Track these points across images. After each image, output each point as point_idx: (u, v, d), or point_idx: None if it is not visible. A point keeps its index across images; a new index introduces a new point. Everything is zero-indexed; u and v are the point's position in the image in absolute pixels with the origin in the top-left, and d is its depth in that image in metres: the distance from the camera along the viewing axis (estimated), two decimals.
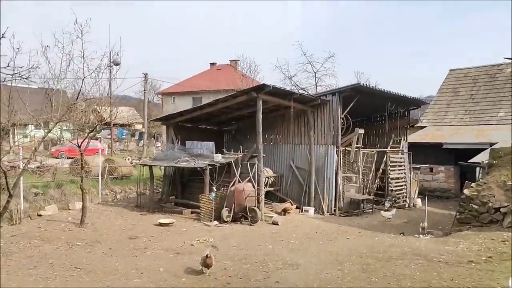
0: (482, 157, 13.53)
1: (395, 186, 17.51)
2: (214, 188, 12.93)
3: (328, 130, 15.39)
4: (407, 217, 14.74)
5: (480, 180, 10.84)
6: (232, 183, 13.49)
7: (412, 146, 21.28)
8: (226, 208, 12.93)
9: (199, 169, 13.70)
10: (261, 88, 14.00)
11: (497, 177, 10.40)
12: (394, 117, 18.21)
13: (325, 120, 15.52)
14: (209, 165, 13.69)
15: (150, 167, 14.94)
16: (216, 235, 10.82)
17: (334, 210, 15.13)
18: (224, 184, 14.27)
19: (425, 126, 22.44)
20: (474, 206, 10.33)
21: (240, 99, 14.65)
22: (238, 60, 49.18)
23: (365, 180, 17.43)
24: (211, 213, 12.75)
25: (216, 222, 12.51)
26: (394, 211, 14.00)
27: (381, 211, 14.17)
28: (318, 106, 15.63)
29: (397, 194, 17.61)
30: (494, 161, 11.01)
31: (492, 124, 19.90)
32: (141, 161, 19.30)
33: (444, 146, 19.79)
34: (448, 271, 7.16)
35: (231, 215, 12.79)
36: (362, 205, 16.20)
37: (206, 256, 7.37)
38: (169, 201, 15.55)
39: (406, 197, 17.92)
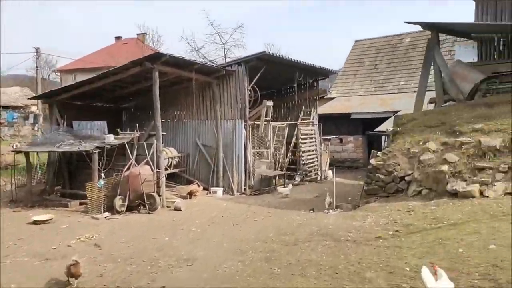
0: (387, 126, 13.41)
1: (307, 159, 17.08)
2: (102, 174, 11.20)
3: (235, 103, 14.27)
4: (318, 191, 14.31)
5: (386, 148, 10.50)
6: (126, 168, 11.85)
7: (323, 118, 21.09)
8: (120, 197, 11.32)
9: (84, 153, 11.81)
10: (156, 57, 12.36)
11: (401, 145, 10.09)
12: (304, 88, 17.63)
13: (232, 92, 14.36)
14: (97, 147, 11.86)
15: (27, 154, 12.65)
16: (103, 230, 9.25)
17: (245, 189, 14.22)
18: (119, 169, 12.56)
19: (335, 97, 22.40)
20: (380, 176, 9.95)
21: (133, 70, 12.86)
22: (146, 34, 46.00)
23: (277, 155, 16.78)
24: (101, 204, 11.06)
25: (107, 214, 10.87)
26: (290, 186, 13.37)
27: (278, 188, 13.45)
28: (223, 77, 14.39)
29: (309, 168, 17.23)
30: (398, 129, 10.73)
31: (394, 93, 20.30)
32: (15, 147, 16.59)
33: (352, 116, 19.84)
34: (356, 251, 6.48)
35: (126, 204, 11.22)
36: (274, 181, 15.53)
37: (71, 263, 5.88)
38: (55, 192, 13.45)
39: (318, 169, 17.64)
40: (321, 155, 17.86)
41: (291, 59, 14.81)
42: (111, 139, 12.60)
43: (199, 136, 15.05)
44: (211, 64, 17.22)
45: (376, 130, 16.42)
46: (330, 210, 10.38)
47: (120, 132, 13.73)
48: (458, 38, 13.94)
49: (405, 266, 5.40)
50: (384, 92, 20.98)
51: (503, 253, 4.99)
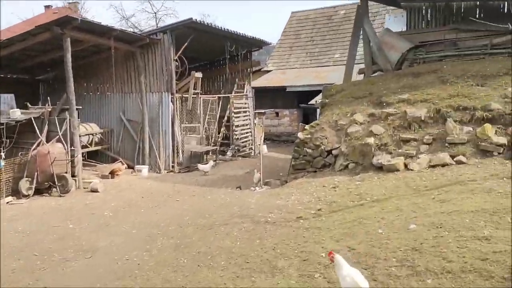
0: (319, 98, 12.82)
1: (240, 134, 16.26)
2: (2, 154, 9.65)
3: (161, 74, 13.00)
4: (251, 166, 13.58)
5: (314, 121, 9.88)
6: (34, 146, 10.35)
7: (259, 91, 20.27)
8: (27, 179, 9.90)
9: None
10: (66, 22, 10.78)
11: (329, 117, 9.49)
12: (237, 60, 16.59)
13: (157, 63, 13.05)
14: None
15: None
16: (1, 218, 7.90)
17: (173, 167, 13.17)
18: (28, 147, 10.99)
19: (271, 70, 21.60)
20: (308, 150, 9.32)
21: (42, 37, 11.20)
22: (78, 2, 42.28)
23: (210, 130, 15.79)
24: (3, 188, 9.57)
25: (10, 199, 9.45)
26: (211, 163, 12.50)
27: (198, 165, 12.53)
28: (148, 46, 13.01)
29: (243, 142, 16.45)
30: (327, 100, 10.13)
31: (329, 66, 19.84)
32: None
33: (288, 90, 19.18)
34: (273, 235, 5.76)
35: (33, 186, 9.82)
36: (205, 157, 14.59)
37: None
38: None
39: (252, 144, 16.91)
40: (255, 130, 17.11)
41: (221, 27, 13.68)
42: (16, 114, 10.94)
43: (124, 111, 13.68)
44: (134, 32, 15.58)
45: (309, 103, 15.89)
46: (257, 188, 9.67)
47: (30, 106, 12.03)
48: (391, 9, 13.52)
49: (321, 252, 4.73)
50: (320, 64, 20.47)
51: (423, 233, 4.45)
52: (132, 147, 13.47)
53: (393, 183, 7.01)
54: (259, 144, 17.30)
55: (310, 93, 17.25)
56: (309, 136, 9.37)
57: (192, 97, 13.63)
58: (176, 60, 12.92)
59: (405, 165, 7.71)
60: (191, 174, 12.77)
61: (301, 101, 18.41)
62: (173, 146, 13.12)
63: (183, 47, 12.73)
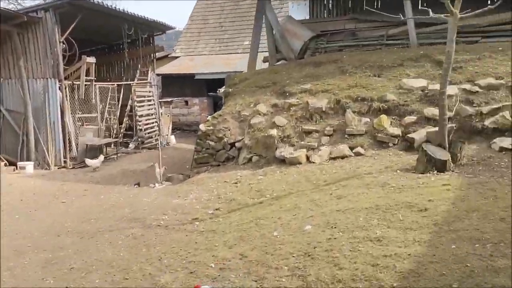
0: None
1: (145, 124, 15.17)
2: None
3: (46, 58, 11.45)
4: (155, 159, 12.68)
5: (217, 112, 9.35)
6: None
7: (166, 78, 19.17)
8: None
9: None
10: None
11: (233, 107, 9.03)
12: (138, 45, 15.38)
13: (40, 45, 11.46)
14: None
15: None
16: None
17: (65, 162, 11.79)
18: None
19: (179, 56, 20.57)
20: (210, 143, 8.77)
21: None
22: None
23: (112, 120, 14.50)
24: None
25: None
26: (101, 158, 11.42)
27: (86, 160, 11.38)
28: (27, 26, 11.33)
29: (148, 133, 15.38)
30: (230, 90, 9.65)
31: (239, 53, 19.40)
32: None
33: (197, 77, 18.38)
34: (163, 241, 5.15)
35: None
36: (105, 150, 13.32)
37: None
38: None
39: (158, 135, 15.91)
40: (162, 119, 16.13)
41: (114, 7, 12.43)
42: None
43: (2, 100, 11.86)
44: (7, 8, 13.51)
45: (218, 91, 15.30)
46: (157, 184, 8.92)
47: None
48: None
49: (211, 261, 4.24)
50: (230, 51, 19.91)
51: (317, 235, 4.18)
52: (14, 141, 11.79)
53: (295, 177, 6.77)
54: (167, 135, 16.43)
55: (220, 81, 16.66)
56: (211, 127, 8.82)
57: (85, 85, 12.26)
58: (63, 43, 11.45)
59: (307, 158, 7.54)
60: (87, 169, 11.51)
61: (211, 89, 17.76)
62: (64, 139, 11.71)
63: (71, 28, 11.30)
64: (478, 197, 4.40)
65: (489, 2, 9.96)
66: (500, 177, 5.23)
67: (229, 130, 8.69)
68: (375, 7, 10.53)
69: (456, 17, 5.74)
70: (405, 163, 6.30)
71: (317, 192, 5.74)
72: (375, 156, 6.97)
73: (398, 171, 5.95)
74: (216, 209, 6.09)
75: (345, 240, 3.97)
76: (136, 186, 9.14)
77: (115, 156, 12.93)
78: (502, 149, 6.22)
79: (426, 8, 6.25)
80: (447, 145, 5.92)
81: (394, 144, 7.19)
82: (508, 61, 7.71)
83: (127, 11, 12.84)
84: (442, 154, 5.77)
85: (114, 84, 14.01)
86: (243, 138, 8.47)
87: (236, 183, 7.21)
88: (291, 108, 8.37)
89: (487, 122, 6.71)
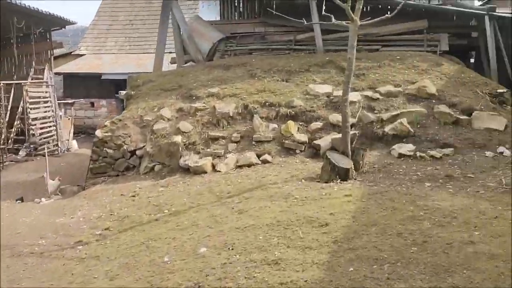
0: None
1: (40, 129, 13.54)
2: None
3: None
4: (51, 168, 11.29)
5: (116, 117, 8.49)
6: None
7: (70, 78, 17.56)
8: None
9: None
10: None
11: (134, 112, 8.25)
12: (33, 40, 13.71)
13: None
14: None
15: None
16: None
17: None
18: None
19: (84, 54, 18.91)
20: (108, 150, 7.90)
21: None
22: None
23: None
24: None
25: None
26: None
27: None
28: None
29: (45, 138, 13.76)
30: (133, 92, 8.85)
31: (151, 53, 18.31)
32: None
33: (103, 77, 17.02)
34: (32, 275, 4.29)
35: None
36: None
37: None
38: None
39: (57, 140, 14.33)
40: (61, 123, 14.58)
41: None
42: None
43: None
44: None
45: (120, 94, 14.20)
46: (43, 199, 7.81)
47: None
48: None
49: None
50: (141, 51, 18.75)
51: (212, 260, 3.70)
52: None
53: (198, 188, 6.23)
54: (67, 140, 14.90)
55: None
56: (109, 134, 7.95)
57: None
58: None
59: (213, 166, 7.06)
60: None
61: (119, 90, 16.51)
62: None
63: None
64: (378, 209, 4.26)
65: (388, 12, 10.43)
66: (399, 185, 5.22)
67: (130, 136, 7.90)
68: (285, 12, 10.39)
69: (356, 24, 5.67)
70: (311, 171, 6.11)
71: (219, 206, 5.27)
72: (282, 164, 6.71)
73: (303, 180, 5.71)
74: (106, 229, 5.33)
75: (241, 265, 3.54)
76: (18, 201, 7.91)
77: (1, 165, 11.30)
78: (400, 155, 6.31)
79: (328, 14, 6.14)
80: (350, 153, 5.83)
81: (301, 151, 7.00)
82: (405, 69, 7.98)
83: (17, 2, 11.29)
84: (345, 163, 5.66)
85: (1, 83, 12.25)
86: (144, 146, 7.74)
87: (133, 196, 6.49)
88: (197, 113, 7.84)
89: (387, 129, 6.80)
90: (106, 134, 7.94)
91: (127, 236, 4.98)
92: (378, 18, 5.79)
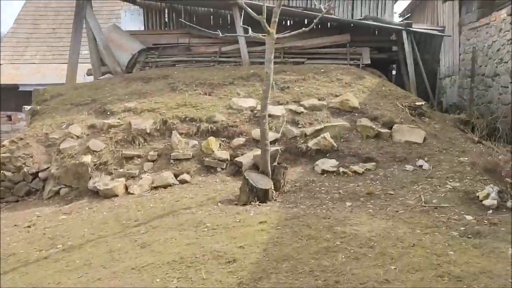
0: None
1: None
2: None
3: None
4: None
5: (18, 135, 7.39)
6: None
7: None
8: None
9: None
10: None
11: (39, 129, 7.21)
12: None
13: None
14: None
15: None
16: None
17: None
18: None
19: (0, 64, 17.06)
20: (7, 173, 6.78)
21: None
22: None
23: None
24: None
25: None
26: None
27: None
28: None
29: None
30: (38, 107, 7.81)
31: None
32: None
33: (21, 88, 15.40)
34: None
35: None
36: None
37: None
38: None
39: None
40: None
41: None
42: None
43: None
44: None
45: (24, 109, 12.84)
46: None
47: None
48: (125, 4, 12.02)
49: None
50: (65, 61, 17.22)
51: None
52: None
53: (104, 216, 5.41)
54: None
55: None
56: (8, 155, 6.83)
57: None
58: None
59: (126, 188, 6.26)
60: None
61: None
62: None
63: None
64: (292, 238, 3.77)
65: (315, 27, 10.28)
66: (319, 206, 4.81)
67: (32, 157, 6.85)
68: (211, 22, 9.90)
69: (273, 37, 5.23)
70: (230, 192, 5.54)
71: (121, 238, 4.51)
72: (201, 184, 6.07)
73: (219, 204, 5.12)
74: None
75: None
76: None
77: None
78: (323, 171, 5.94)
79: (246, 27, 5.67)
80: (270, 172, 5.35)
81: (222, 169, 6.41)
82: (329, 82, 7.73)
83: None
84: (264, 183, 5.15)
85: None
86: (49, 167, 6.73)
87: (29, 227, 5.51)
88: (110, 130, 6.99)
89: (311, 144, 6.43)
90: (4, 155, 6.82)
91: (6, 280, 4.07)
92: (295, 31, 5.40)
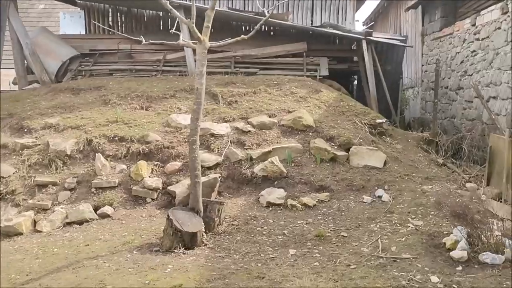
0: None
1: None
2: None
3: None
4: None
5: None
6: None
7: None
8: None
9: None
10: None
11: None
12: None
13: None
14: None
15: None
16: None
17: None
18: None
19: None
20: None
21: None
22: None
23: None
24: None
25: None
26: None
27: None
28: None
29: None
30: None
31: (9, 68, 15.37)
32: None
33: None
34: None
35: None
36: None
37: None
38: None
39: None
40: None
41: None
42: None
43: None
44: None
45: None
46: None
47: None
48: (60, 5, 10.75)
49: None
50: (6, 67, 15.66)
51: None
52: None
53: None
54: None
55: None
56: None
57: None
58: None
59: (35, 224, 5.07)
60: None
61: None
62: None
63: None
64: None
65: (272, 33, 9.38)
66: (256, 254, 3.83)
67: None
68: (157, 26, 8.79)
69: (204, 45, 4.22)
70: (154, 232, 4.48)
71: None
72: (124, 219, 4.97)
73: (135, 251, 4.04)
74: None
75: None
76: None
77: None
78: (269, 204, 4.96)
79: (177, 32, 4.65)
80: (202, 209, 4.33)
81: (153, 200, 5.32)
82: (282, 96, 6.80)
83: None
84: (192, 224, 4.12)
85: None
86: None
87: None
88: (23, 151, 5.77)
89: (257, 169, 5.44)
90: None
91: None
92: (232, 39, 4.42)
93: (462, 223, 3.60)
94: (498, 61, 6.62)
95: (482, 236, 3.50)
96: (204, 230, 4.19)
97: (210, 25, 4.31)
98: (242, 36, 4.43)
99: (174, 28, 4.64)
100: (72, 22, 9.30)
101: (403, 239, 3.94)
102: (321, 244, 4.01)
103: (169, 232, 4.09)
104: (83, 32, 9.33)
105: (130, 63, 8.06)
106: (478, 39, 7.27)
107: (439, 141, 6.73)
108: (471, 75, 7.57)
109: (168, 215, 4.15)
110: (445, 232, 3.99)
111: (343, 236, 4.14)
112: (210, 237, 4.25)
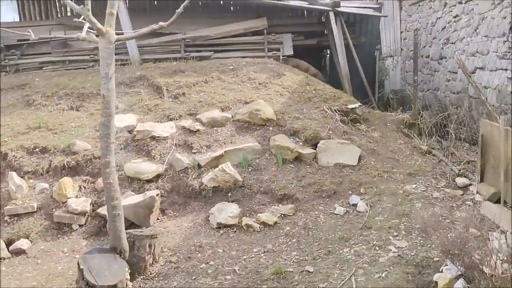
0: None
1: None
2: None
3: None
4: None
5: None
6: None
7: None
8: None
9: None
10: None
11: None
12: None
13: None
14: None
15: None
16: None
17: None
18: None
19: None
20: None
21: None
22: None
23: None
24: None
25: None
26: None
27: None
28: None
29: None
30: None
31: None
32: None
33: None
34: None
35: None
36: None
37: None
38: None
39: None
40: None
41: None
42: None
43: None
44: None
45: None
46: None
47: None
48: None
49: None
50: None
51: None
52: None
53: None
54: None
55: None
56: None
57: None
58: None
59: None
60: None
61: None
62: None
63: None
64: None
65: (232, 8, 8.04)
66: None
67: None
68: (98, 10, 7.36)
69: (109, 39, 3.02)
70: (72, 279, 3.38)
71: None
72: (41, 257, 3.85)
73: None
74: None
75: None
76: None
77: None
78: (220, 225, 3.89)
79: (84, 21, 3.41)
80: (128, 247, 3.23)
81: (80, 226, 4.20)
82: (239, 83, 5.60)
83: None
84: (111, 273, 3.03)
85: None
86: None
87: None
88: None
89: (206, 179, 4.33)
90: None
91: None
92: (148, 28, 3.21)
93: (457, 261, 2.59)
94: (484, 27, 5.51)
95: (482, 281, 2.49)
96: (129, 278, 3.12)
97: (115, 13, 3.10)
98: (160, 23, 3.22)
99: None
100: (7, 9, 7.80)
101: (383, 275, 2.94)
102: (279, 287, 2.99)
103: (81, 286, 3.02)
104: (17, 19, 7.84)
105: (64, 54, 6.69)
106: (460, 2, 6.13)
107: (422, 123, 5.68)
108: (454, 43, 6.47)
109: (78, 264, 3.05)
110: (435, 259, 3.01)
111: (308, 272, 3.12)
112: (139, 283, 3.19)
